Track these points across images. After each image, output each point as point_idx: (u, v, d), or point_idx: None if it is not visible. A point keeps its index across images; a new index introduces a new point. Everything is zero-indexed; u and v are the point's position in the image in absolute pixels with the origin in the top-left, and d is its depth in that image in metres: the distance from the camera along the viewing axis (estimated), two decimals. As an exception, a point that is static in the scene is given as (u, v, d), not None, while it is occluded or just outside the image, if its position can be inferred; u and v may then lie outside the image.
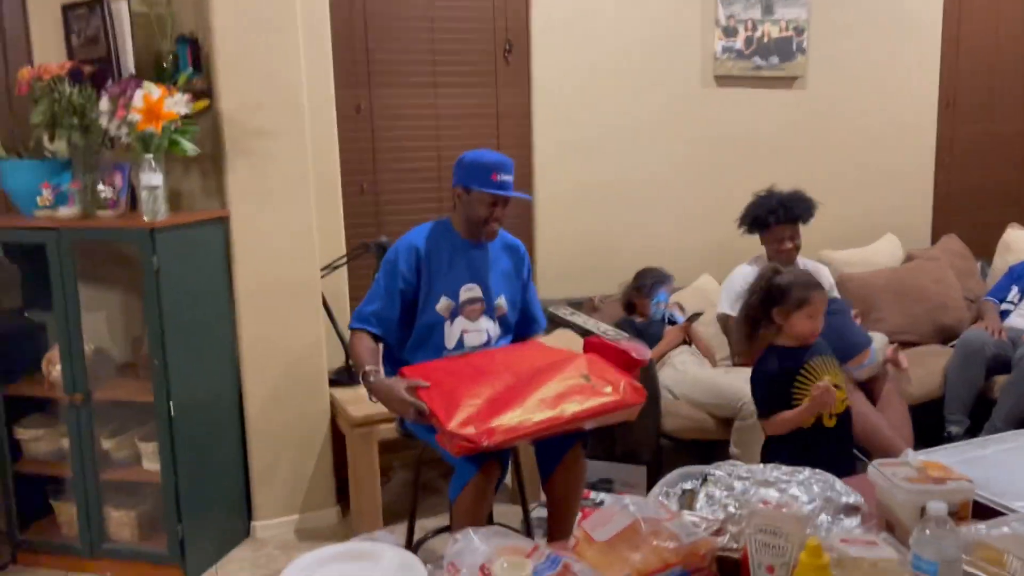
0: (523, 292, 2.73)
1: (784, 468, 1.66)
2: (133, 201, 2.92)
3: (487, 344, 2.59)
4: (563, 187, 3.94)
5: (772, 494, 1.55)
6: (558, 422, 2.15)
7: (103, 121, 2.70)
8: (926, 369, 3.60)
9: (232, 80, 2.92)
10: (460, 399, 2.17)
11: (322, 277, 3.20)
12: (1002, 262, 4.33)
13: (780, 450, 2.35)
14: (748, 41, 4.14)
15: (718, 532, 1.48)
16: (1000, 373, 3.57)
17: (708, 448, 3.28)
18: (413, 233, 2.59)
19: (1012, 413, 3.44)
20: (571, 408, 2.16)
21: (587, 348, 2.48)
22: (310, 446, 3.21)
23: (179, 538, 2.83)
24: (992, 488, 1.61)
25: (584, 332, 3.25)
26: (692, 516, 1.52)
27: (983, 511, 1.55)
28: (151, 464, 2.86)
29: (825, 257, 4.14)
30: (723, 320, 3.71)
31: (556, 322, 3.47)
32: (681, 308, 3.54)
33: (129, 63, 2.90)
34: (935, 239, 4.70)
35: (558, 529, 2.48)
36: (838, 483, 1.63)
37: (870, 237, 4.41)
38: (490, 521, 2.87)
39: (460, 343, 2.55)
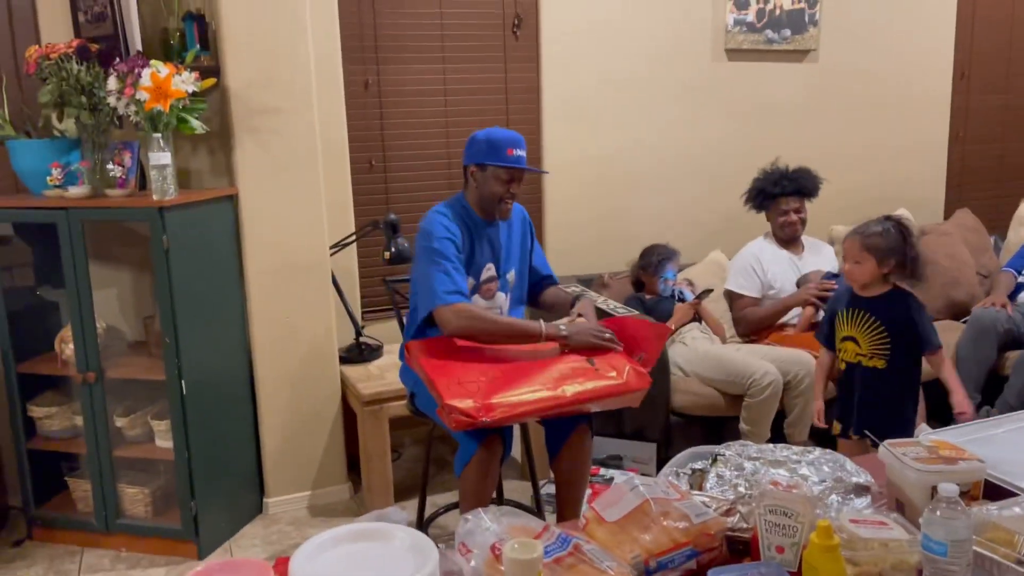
0: (531, 257, 2.73)
1: (795, 448, 1.66)
2: (142, 180, 2.92)
3: None
4: (573, 163, 3.92)
5: (782, 474, 1.56)
6: (559, 403, 2.15)
7: (111, 100, 2.69)
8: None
9: (239, 57, 2.91)
10: (462, 374, 2.19)
11: (332, 255, 3.21)
12: (1016, 236, 4.30)
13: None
14: (760, 14, 4.08)
15: (728, 512, 1.48)
16: (1012, 349, 3.55)
17: (718, 425, 3.29)
18: (439, 214, 2.48)
19: (1024, 389, 3.43)
20: (572, 389, 2.17)
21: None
22: (321, 423, 3.23)
23: (192, 514, 2.86)
24: (1004, 468, 1.61)
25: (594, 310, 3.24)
26: (702, 496, 1.52)
27: (994, 491, 1.55)
28: (164, 442, 2.89)
29: (836, 233, 4.11)
30: (729, 297, 3.71)
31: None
32: (691, 284, 3.53)
33: (136, 41, 2.88)
34: (948, 214, 4.66)
35: (566, 508, 2.50)
36: (848, 463, 1.64)
37: (882, 211, 4.25)
38: (500, 496, 2.91)
39: None
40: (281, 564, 1.30)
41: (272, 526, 3.13)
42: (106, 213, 2.80)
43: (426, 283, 2.39)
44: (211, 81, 2.85)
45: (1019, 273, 3.89)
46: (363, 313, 3.61)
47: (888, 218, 2.64)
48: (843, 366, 2.70)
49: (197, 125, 2.78)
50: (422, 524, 2.81)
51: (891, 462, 1.56)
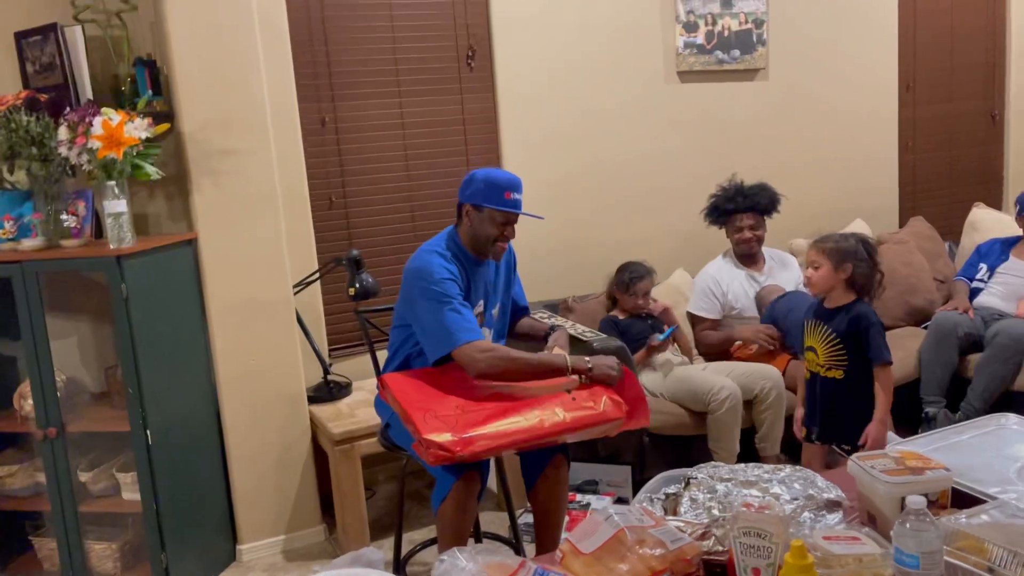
0: (512, 288, 2.73)
1: (765, 467, 1.67)
2: (99, 228, 2.88)
3: None
4: (533, 190, 3.90)
5: (754, 494, 1.57)
6: (537, 435, 2.14)
7: (63, 150, 2.65)
8: (904, 351, 3.64)
9: (193, 101, 2.89)
10: (439, 408, 2.17)
11: (295, 294, 3.18)
12: (969, 241, 4.39)
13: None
14: (709, 36, 4.16)
15: (703, 536, 1.49)
16: (973, 352, 3.62)
17: (687, 443, 3.30)
18: (434, 254, 2.43)
19: (987, 390, 3.49)
20: (550, 420, 2.16)
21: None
22: (292, 465, 3.18)
23: (163, 567, 2.80)
24: (970, 475, 1.63)
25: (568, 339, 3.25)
26: (677, 522, 1.52)
27: (961, 498, 1.57)
28: (131, 494, 2.82)
29: (796, 246, 4.18)
30: (691, 319, 3.74)
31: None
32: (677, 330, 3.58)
33: (87, 89, 2.86)
34: (903, 222, 4.75)
35: (545, 538, 2.48)
36: (819, 479, 1.65)
37: (840, 223, 4.45)
38: (477, 529, 2.88)
39: None
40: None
41: (247, 574, 3.07)
42: (62, 264, 2.75)
43: (437, 324, 2.33)
44: (165, 126, 2.83)
45: (971, 280, 3.98)
46: (330, 351, 3.58)
47: (853, 234, 2.70)
48: (808, 375, 2.76)
49: (152, 171, 2.75)
50: (399, 563, 2.77)
51: (860, 476, 1.58)
